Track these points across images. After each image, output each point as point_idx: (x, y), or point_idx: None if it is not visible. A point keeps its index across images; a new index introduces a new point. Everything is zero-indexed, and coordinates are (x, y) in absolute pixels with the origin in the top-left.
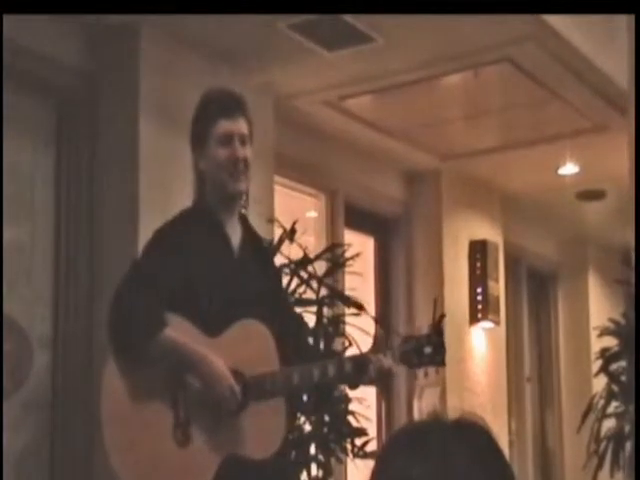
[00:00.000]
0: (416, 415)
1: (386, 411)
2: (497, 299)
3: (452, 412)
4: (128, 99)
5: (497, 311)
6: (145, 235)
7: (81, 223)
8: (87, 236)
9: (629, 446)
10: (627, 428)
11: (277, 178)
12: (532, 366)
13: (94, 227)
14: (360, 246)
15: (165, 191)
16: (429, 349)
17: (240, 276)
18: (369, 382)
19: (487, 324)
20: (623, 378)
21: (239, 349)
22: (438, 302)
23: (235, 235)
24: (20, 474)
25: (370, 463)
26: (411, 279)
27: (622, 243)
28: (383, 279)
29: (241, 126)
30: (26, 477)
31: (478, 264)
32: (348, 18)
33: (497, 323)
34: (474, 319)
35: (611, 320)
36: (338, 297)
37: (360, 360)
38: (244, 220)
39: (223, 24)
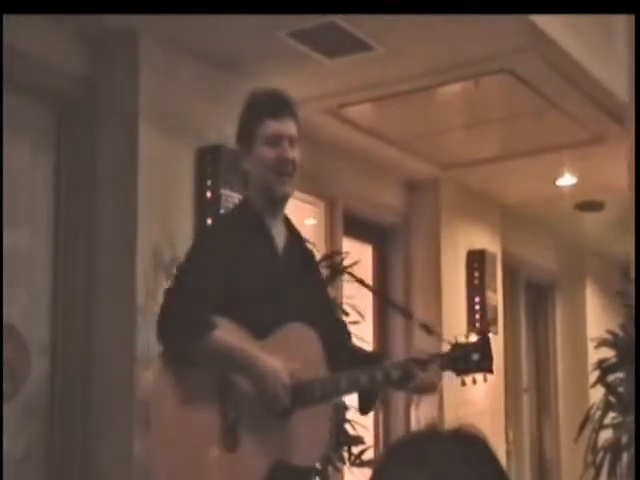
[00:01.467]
0: (413, 424)
1: (383, 419)
2: (495, 309)
3: (450, 423)
4: (127, 104)
5: (495, 321)
6: (144, 241)
7: (80, 228)
8: (86, 241)
9: (626, 457)
10: (624, 439)
11: None
12: (529, 376)
13: (93, 232)
14: (358, 254)
15: (164, 195)
16: (476, 356)
17: (286, 279)
18: (415, 390)
19: None
20: (620, 389)
21: (287, 352)
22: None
23: (280, 237)
24: (19, 479)
25: (367, 471)
26: (409, 288)
27: (620, 254)
28: (381, 287)
29: (290, 127)
30: None
31: (476, 274)
32: (348, 26)
33: (495, 333)
34: (472, 328)
35: (608, 331)
36: (387, 302)
37: (407, 367)
38: (288, 222)
39: (223, 31)
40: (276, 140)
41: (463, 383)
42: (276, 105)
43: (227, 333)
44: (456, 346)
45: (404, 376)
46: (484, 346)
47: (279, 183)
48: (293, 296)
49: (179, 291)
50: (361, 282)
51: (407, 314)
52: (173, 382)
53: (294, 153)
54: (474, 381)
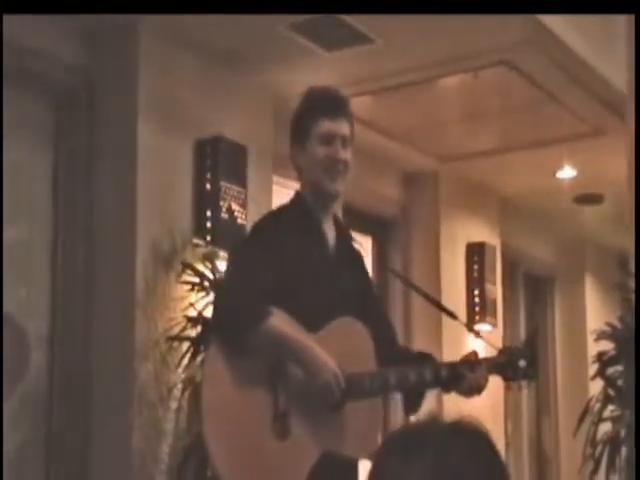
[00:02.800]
0: (413, 417)
1: (384, 413)
2: (494, 302)
3: (449, 415)
4: (127, 98)
5: (494, 314)
6: (143, 233)
7: (79, 222)
8: (85, 235)
9: (625, 450)
10: (623, 432)
11: (276, 178)
12: None
13: (92, 226)
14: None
15: (163, 187)
16: (523, 362)
17: (336, 274)
18: (462, 391)
19: (484, 326)
20: (619, 382)
21: (339, 346)
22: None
23: (330, 234)
24: (17, 471)
25: (367, 464)
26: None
27: (619, 247)
28: (380, 280)
29: (343, 127)
30: (23, 475)
31: (475, 266)
32: (347, 19)
33: (494, 325)
34: (471, 321)
35: (608, 324)
36: (431, 303)
37: (456, 368)
38: (337, 220)
39: (223, 24)
40: (329, 139)
41: (508, 388)
42: (331, 105)
43: (282, 323)
44: (503, 351)
45: (453, 376)
46: (530, 353)
47: (329, 180)
48: (343, 291)
49: (235, 279)
50: (404, 279)
51: (452, 315)
52: (226, 369)
53: (346, 153)
54: (520, 388)
